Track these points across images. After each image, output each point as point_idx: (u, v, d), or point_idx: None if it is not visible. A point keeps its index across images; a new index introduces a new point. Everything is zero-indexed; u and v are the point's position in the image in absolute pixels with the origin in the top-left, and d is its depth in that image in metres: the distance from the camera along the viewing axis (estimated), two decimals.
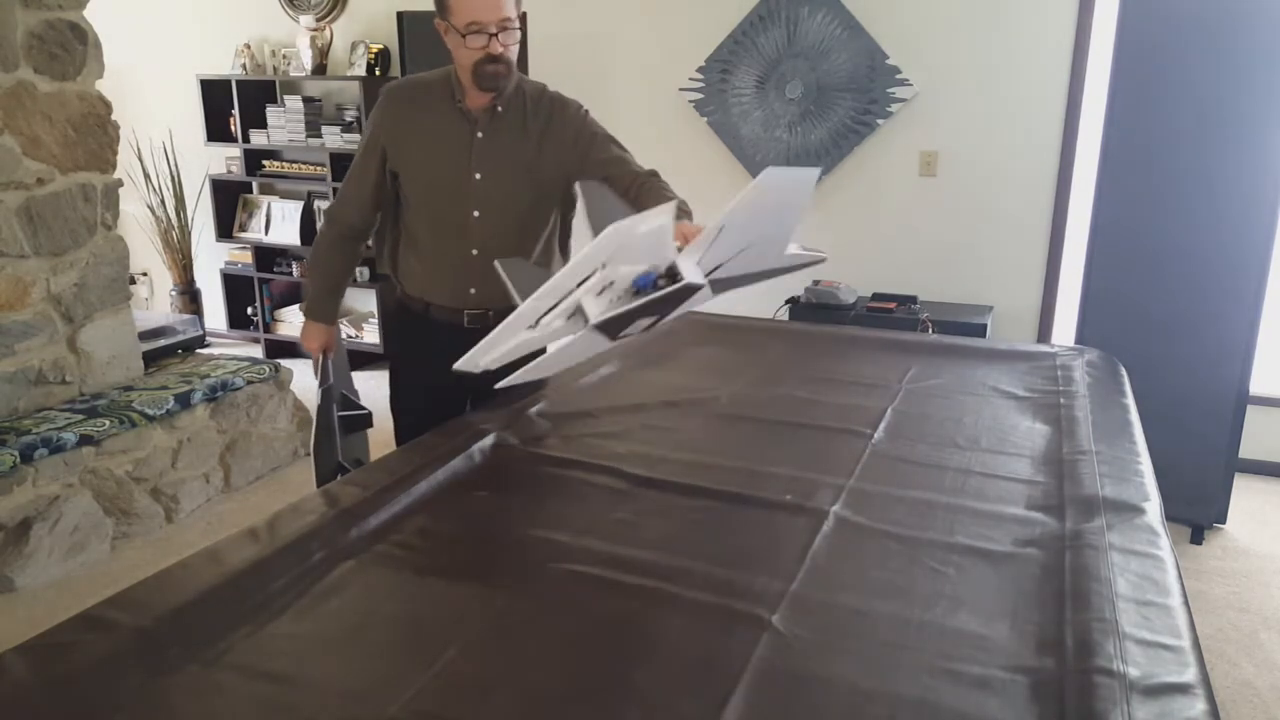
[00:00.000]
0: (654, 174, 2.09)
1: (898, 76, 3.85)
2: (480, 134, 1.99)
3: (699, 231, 1.53)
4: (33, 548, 2.86)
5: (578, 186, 1.71)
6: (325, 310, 2.24)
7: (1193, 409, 3.17)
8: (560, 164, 2.04)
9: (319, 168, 4.91)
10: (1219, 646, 2.60)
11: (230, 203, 5.29)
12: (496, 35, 1.86)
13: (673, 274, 1.37)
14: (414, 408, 2.25)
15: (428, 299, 2.14)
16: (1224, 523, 3.32)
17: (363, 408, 2.38)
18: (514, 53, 1.92)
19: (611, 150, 2.06)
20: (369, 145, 2.07)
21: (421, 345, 2.19)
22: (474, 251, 2.05)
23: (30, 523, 2.88)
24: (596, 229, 1.41)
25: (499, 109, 2.00)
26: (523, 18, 1.97)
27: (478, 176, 2.00)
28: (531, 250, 2.11)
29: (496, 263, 1.75)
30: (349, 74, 4.80)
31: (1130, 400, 2.20)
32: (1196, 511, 3.25)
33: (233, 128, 5.04)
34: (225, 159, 5.24)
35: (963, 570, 1.38)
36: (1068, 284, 3.80)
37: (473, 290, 2.08)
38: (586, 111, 2.08)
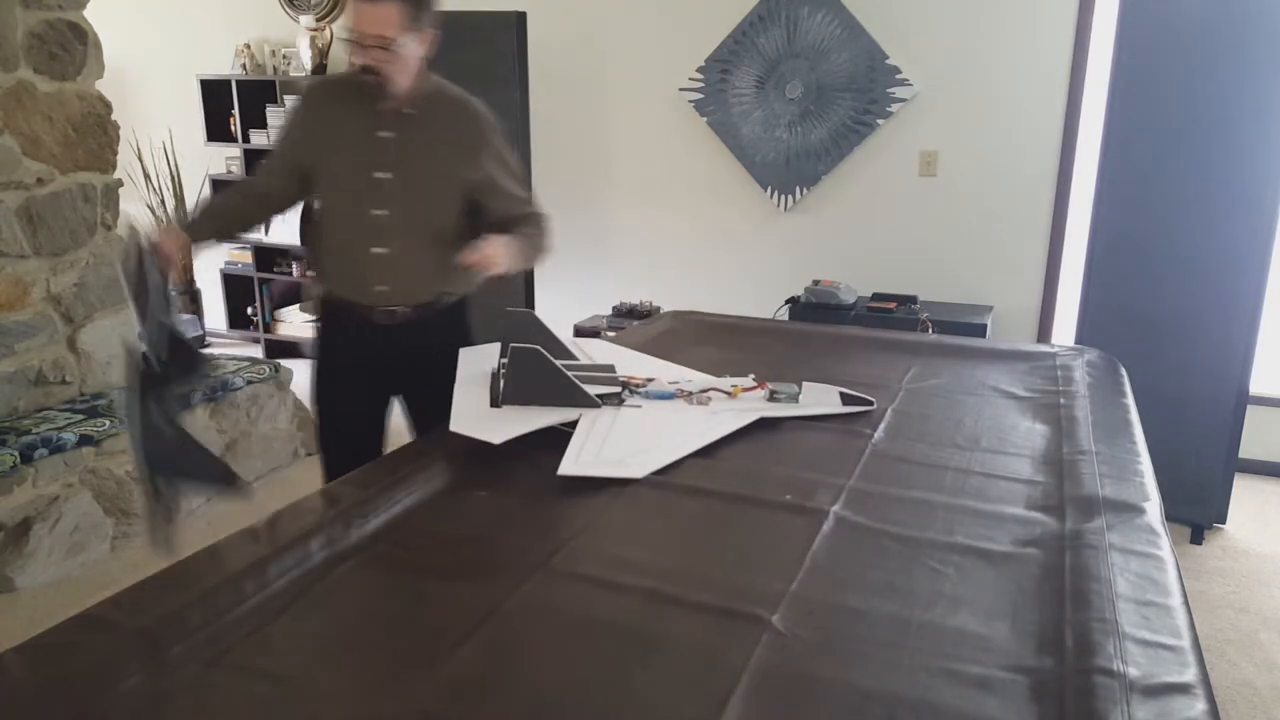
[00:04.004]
0: (533, 218, 2.11)
1: (898, 76, 3.85)
2: (387, 133, 1.99)
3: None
4: (33, 548, 2.86)
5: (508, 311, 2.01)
6: (197, 227, 2.12)
7: (1193, 409, 3.17)
8: (463, 173, 2.05)
9: None
10: (1219, 646, 2.60)
11: None
12: (372, 49, 1.87)
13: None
14: (330, 400, 2.25)
15: (337, 294, 2.14)
16: (1224, 523, 3.32)
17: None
18: (396, 67, 1.91)
19: (509, 183, 2.09)
20: (284, 133, 2.12)
21: (336, 340, 2.20)
22: (380, 250, 2.03)
23: (30, 523, 2.88)
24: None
25: (406, 111, 2.00)
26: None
27: (384, 175, 2.00)
28: (444, 253, 2.07)
29: (508, 310, 2.04)
30: None
31: (1130, 400, 2.20)
32: (1196, 511, 3.25)
33: (233, 128, 5.04)
34: (225, 159, 5.24)
35: (963, 570, 1.38)
36: (1068, 284, 3.80)
37: (379, 288, 2.07)
38: (498, 131, 2.10)
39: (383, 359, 2.12)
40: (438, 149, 2.03)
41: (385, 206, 2.01)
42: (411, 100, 2.00)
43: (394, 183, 2.01)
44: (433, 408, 2.19)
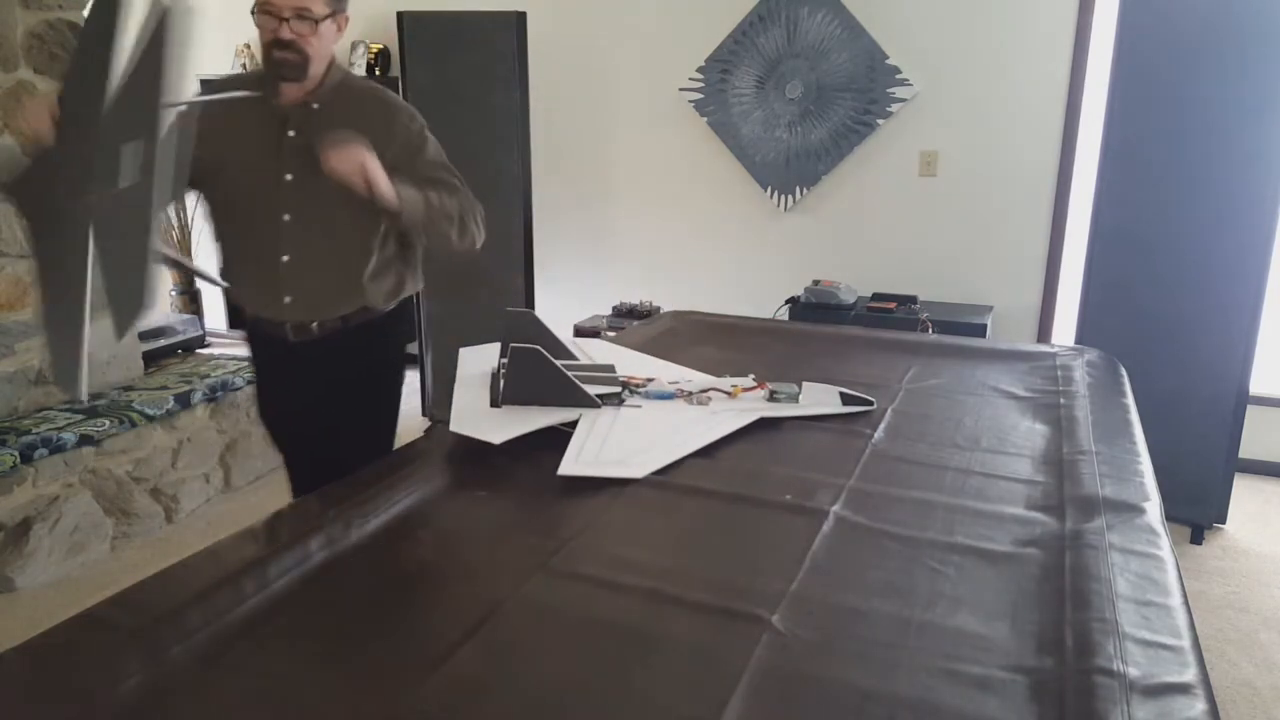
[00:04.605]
0: (452, 190, 1.97)
1: (898, 76, 3.85)
2: (292, 132, 1.89)
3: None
4: (33, 548, 2.86)
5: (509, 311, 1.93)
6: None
7: (1193, 409, 3.17)
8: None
9: None
10: (1219, 646, 2.60)
11: None
12: (288, 21, 1.77)
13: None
14: (270, 421, 2.23)
15: (247, 309, 2.05)
16: (1224, 523, 3.32)
17: None
18: (316, 46, 1.83)
19: (437, 174, 1.96)
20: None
21: (258, 360, 2.16)
22: (285, 258, 1.93)
23: (30, 523, 2.88)
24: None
25: (315, 106, 1.90)
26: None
27: (288, 178, 1.90)
28: (358, 262, 1.97)
29: (508, 310, 1.97)
30: None
31: (1130, 400, 2.20)
32: (1196, 511, 3.25)
33: None
34: None
35: (963, 570, 1.38)
36: (1068, 284, 3.80)
37: (287, 299, 1.96)
38: (421, 125, 1.98)
39: (305, 381, 2.04)
40: None
41: (288, 210, 1.91)
42: (318, 93, 1.91)
43: (304, 185, 1.89)
44: (354, 439, 2.06)
